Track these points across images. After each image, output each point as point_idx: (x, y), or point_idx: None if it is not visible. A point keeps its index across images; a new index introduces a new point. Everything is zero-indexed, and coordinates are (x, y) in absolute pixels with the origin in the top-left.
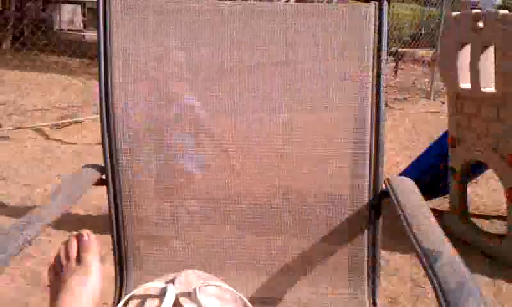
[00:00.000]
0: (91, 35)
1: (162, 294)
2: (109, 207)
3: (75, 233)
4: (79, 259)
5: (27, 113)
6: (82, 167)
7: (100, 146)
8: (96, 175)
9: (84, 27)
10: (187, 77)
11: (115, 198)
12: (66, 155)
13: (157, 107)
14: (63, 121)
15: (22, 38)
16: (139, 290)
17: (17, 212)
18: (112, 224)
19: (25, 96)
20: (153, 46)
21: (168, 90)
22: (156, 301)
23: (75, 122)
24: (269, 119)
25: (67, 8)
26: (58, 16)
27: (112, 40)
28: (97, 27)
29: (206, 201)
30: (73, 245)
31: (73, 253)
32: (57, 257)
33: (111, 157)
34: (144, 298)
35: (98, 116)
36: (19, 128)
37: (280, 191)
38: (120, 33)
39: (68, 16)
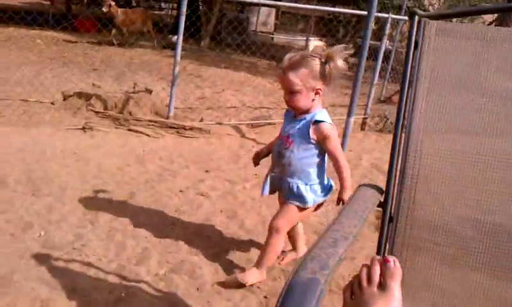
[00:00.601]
0: (279, 37)
1: None
2: (381, 229)
3: (378, 257)
4: (381, 285)
5: (223, 109)
6: (360, 185)
7: None
8: (376, 197)
9: (275, 29)
10: (499, 109)
11: (390, 221)
12: None
13: (459, 137)
14: (257, 121)
15: (219, 38)
16: None
17: (221, 204)
18: (381, 247)
19: (220, 93)
20: (465, 73)
21: (473, 122)
22: None
23: (268, 123)
24: None
25: (264, 11)
26: (256, 18)
27: (421, 62)
28: (407, 46)
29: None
30: (377, 269)
31: (376, 277)
32: (358, 278)
33: (394, 179)
34: None
35: None
36: (219, 123)
37: None
38: (431, 55)
39: (262, 19)
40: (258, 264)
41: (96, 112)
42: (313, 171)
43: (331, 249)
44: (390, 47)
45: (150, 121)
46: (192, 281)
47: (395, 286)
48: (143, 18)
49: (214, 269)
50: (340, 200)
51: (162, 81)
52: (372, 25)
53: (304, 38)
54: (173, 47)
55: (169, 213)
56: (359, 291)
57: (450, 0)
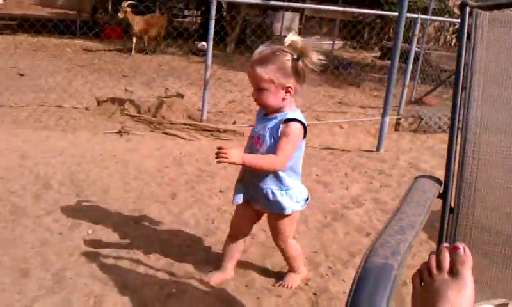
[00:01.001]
0: None
1: None
2: (442, 220)
3: (446, 244)
4: (451, 272)
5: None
6: (417, 177)
7: (325, 151)
8: (436, 188)
9: (299, 34)
10: None
11: (450, 212)
12: None
13: None
14: None
15: (249, 42)
16: None
17: None
18: (442, 237)
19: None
20: None
21: None
22: None
23: None
24: None
25: (288, 16)
26: (280, 23)
27: (475, 53)
28: (459, 38)
29: None
30: (447, 256)
31: (447, 264)
32: (427, 265)
33: (453, 170)
34: None
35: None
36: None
37: None
38: (485, 45)
39: (286, 24)
40: (292, 270)
41: (131, 117)
42: (285, 175)
43: (400, 236)
44: (416, 48)
45: (185, 124)
46: (240, 278)
47: (467, 273)
48: (160, 24)
49: (261, 266)
50: (219, 148)
51: (192, 86)
52: (403, 26)
53: (330, 42)
54: (202, 53)
55: (212, 213)
56: (429, 278)
57: None
